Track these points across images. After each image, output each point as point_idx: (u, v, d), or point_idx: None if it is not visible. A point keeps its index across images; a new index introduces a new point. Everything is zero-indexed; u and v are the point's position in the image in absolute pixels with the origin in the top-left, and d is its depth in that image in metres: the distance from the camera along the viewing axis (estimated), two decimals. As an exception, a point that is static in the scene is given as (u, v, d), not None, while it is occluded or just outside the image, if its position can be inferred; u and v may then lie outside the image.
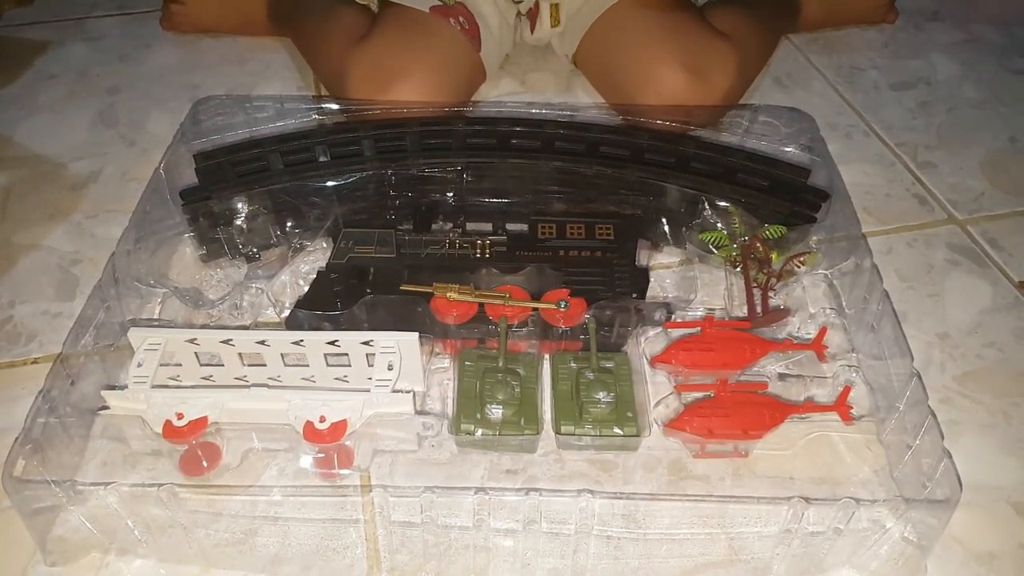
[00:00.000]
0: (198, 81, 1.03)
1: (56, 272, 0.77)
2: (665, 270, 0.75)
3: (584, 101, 0.98)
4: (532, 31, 1.01)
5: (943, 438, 0.55)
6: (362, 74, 0.84)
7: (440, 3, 0.90)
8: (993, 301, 0.75)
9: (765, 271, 0.70)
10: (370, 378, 0.57)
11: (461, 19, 0.90)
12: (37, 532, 0.53)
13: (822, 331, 0.66)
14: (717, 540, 0.54)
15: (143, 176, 0.88)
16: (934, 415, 0.57)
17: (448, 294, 0.64)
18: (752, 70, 0.94)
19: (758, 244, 0.71)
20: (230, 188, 0.72)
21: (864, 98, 1.02)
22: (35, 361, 0.68)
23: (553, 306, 0.64)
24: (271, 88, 1.02)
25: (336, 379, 0.60)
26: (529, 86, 1.02)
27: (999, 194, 0.87)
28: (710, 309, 0.69)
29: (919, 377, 0.59)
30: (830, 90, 1.03)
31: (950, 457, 0.53)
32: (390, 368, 0.57)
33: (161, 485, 0.50)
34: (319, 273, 0.70)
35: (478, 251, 0.71)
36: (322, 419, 0.55)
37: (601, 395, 0.59)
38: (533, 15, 0.99)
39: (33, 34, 1.14)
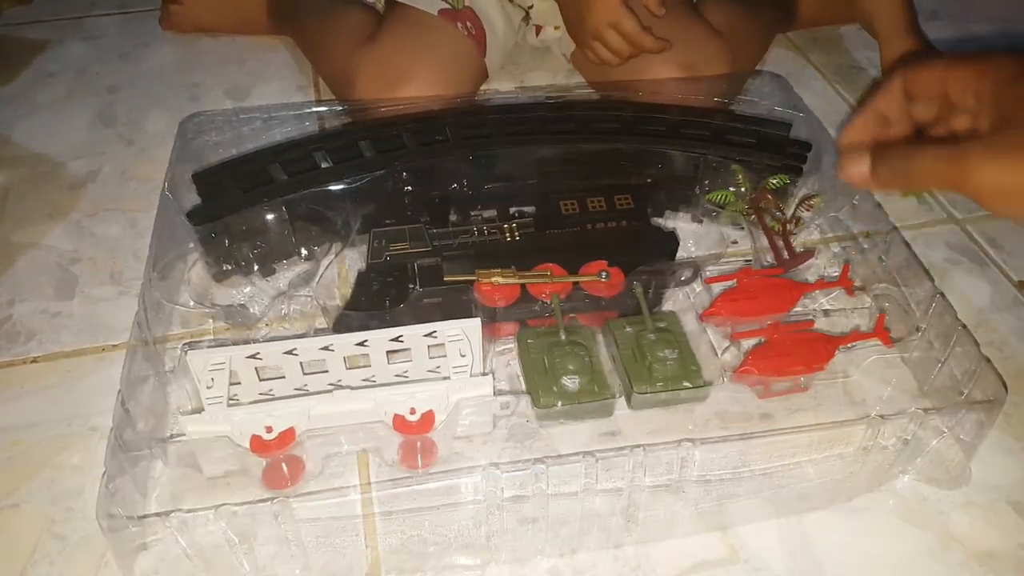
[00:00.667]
0: (197, 80, 1.03)
1: (55, 271, 0.77)
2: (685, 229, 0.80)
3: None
4: (537, 35, 1.01)
5: (979, 345, 0.59)
6: (371, 73, 0.85)
7: (448, 7, 0.91)
8: (992, 301, 0.75)
9: (779, 219, 0.75)
10: (437, 368, 0.59)
11: (468, 24, 0.91)
12: (129, 570, 0.53)
13: (845, 268, 0.71)
14: (803, 467, 0.56)
15: (142, 175, 0.88)
16: (965, 327, 0.60)
17: (492, 279, 0.65)
18: (746, 66, 0.94)
19: (768, 196, 0.75)
20: (236, 203, 0.71)
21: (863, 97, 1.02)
22: (35, 360, 0.68)
23: (595, 278, 0.66)
24: (270, 87, 1.02)
25: (396, 376, 0.60)
26: (529, 82, 1.02)
27: (998, 193, 0.87)
28: (747, 260, 0.75)
29: (942, 295, 0.63)
30: (829, 89, 1.03)
31: (988, 361, 0.58)
32: (462, 355, 0.58)
33: (273, 499, 0.48)
34: (360, 274, 0.70)
35: (507, 235, 0.72)
36: (412, 411, 0.56)
37: (667, 352, 0.62)
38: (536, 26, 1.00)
39: (32, 33, 1.14)
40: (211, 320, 0.70)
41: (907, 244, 0.69)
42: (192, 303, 0.71)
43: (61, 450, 0.61)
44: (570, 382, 0.60)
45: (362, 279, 0.69)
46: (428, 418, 0.56)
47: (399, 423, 0.56)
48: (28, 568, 0.54)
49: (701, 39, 0.87)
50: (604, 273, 0.66)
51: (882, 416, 0.54)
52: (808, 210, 0.76)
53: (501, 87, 1.01)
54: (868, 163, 0.42)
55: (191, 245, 0.71)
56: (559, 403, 0.60)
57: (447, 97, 0.86)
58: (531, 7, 0.97)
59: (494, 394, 0.58)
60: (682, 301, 0.69)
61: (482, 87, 0.97)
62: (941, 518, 0.57)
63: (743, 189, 0.77)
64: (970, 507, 0.58)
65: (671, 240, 0.73)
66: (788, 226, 0.75)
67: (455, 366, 0.58)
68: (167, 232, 0.70)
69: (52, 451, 0.61)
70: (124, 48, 1.11)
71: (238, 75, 1.04)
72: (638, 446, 0.52)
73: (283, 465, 0.56)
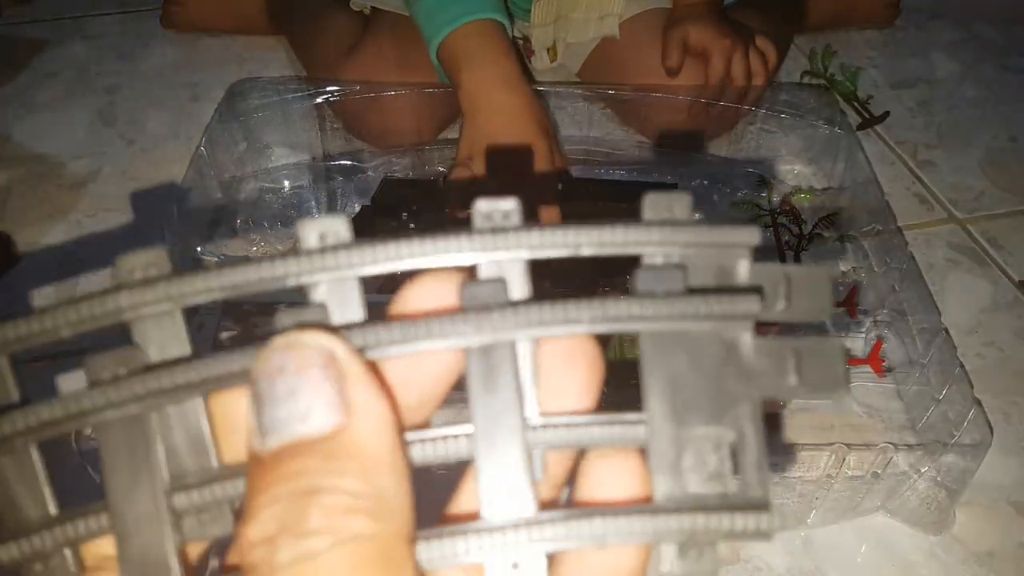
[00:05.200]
0: (197, 80, 1.03)
1: (55, 271, 0.77)
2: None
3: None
4: (530, 60, 0.99)
5: (972, 387, 0.58)
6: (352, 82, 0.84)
7: None
8: (993, 300, 0.75)
9: (796, 234, 0.76)
10: None
11: None
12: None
13: (853, 290, 0.70)
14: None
15: (142, 175, 0.88)
16: (963, 366, 0.59)
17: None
18: (771, 72, 0.94)
19: (789, 205, 0.77)
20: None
21: (864, 97, 1.02)
22: (36, 360, 0.68)
23: None
24: (270, 87, 1.02)
25: None
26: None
27: (999, 193, 0.87)
28: None
29: (947, 332, 0.62)
30: (829, 89, 1.03)
31: (980, 404, 0.56)
32: None
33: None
34: (384, 180, 0.71)
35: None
36: None
37: None
38: (528, 52, 0.98)
39: (32, 32, 1.14)
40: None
41: (921, 276, 0.68)
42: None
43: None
44: None
45: (386, 185, 0.70)
46: None
47: None
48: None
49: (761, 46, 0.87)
50: None
51: (848, 446, 0.52)
52: (828, 228, 0.76)
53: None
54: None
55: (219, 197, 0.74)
56: None
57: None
58: (525, 39, 0.96)
59: None
60: None
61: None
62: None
63: (768, 201, 0.79)
64: (971, 507, 0.58)
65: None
66: (803, 242, 0.75)
67: None
68: (198, 189, 0.72)
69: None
70: (124, 48, 1.10)
71: (238, 75, 1.04)
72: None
73: None
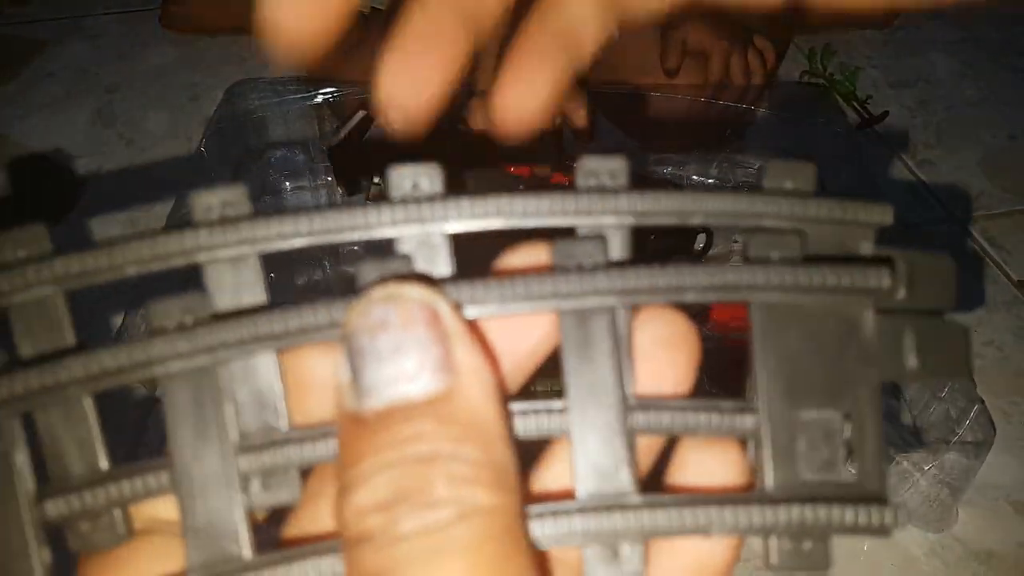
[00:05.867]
0: (197, 80, 1.03)
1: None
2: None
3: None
4: None
5: (976, 386, 0.57)
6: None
7: None
8: (992, 300, 0.75)
9: None
10: None
11: None
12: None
13: None
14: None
15: (142, 175, 0.88)
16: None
17: None
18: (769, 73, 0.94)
19: None
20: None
21: (863, 96, 1.02)
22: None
23: None
24: (270, 87, 1.02)
25: None
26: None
27: (998, 193, 0.87)
28: None
29: None
30: (829, 89, 1.03)
31: (983, 402, 0.55)
32: None
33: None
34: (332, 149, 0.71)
35: None
36: None
37: None
38: None
39: (31, 32, 1.13)
40: None
41: None
42: None
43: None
44: None
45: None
46: None
47: None
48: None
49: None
50: None
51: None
52: None
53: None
54: None
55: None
56: None
57: None
58: None
59: None
60: None
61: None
62: (941, 517, 0.57)
63: None
64: (970, 506, 0.58)
65: None
66: None
67: None
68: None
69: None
70: (124, 48, 1.10)
71: (238, 75, 1.04)
72: None
73: None
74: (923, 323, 0.16)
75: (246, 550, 0.15)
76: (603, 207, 0.16)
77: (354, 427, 0.15)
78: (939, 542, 0.56)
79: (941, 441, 0.56)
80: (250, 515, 0.16)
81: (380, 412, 0.15)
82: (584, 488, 0.16)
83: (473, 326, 0.16)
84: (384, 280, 0.16)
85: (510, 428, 0.16)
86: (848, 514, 0.15)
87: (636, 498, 0.15)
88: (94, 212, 0.78)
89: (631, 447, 0.16)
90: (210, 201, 0.16)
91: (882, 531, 0.15)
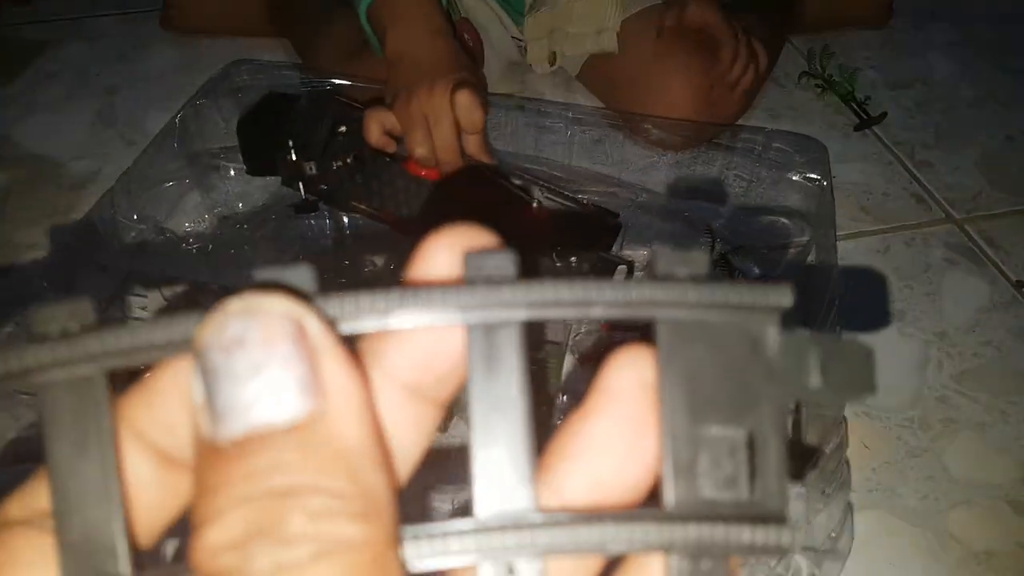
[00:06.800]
0: (197, 81, 1.02)
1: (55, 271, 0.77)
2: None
3: (582, 103, 0.98)
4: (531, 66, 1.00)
5: (849, 492, 0.54)
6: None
7: None
8: (991, 300, 0.75)
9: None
10: None
11: (465, 35, 0.90)
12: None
13: None
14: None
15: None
16: (847, 465, 0.55)
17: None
18: (761, 78, 0.94)
19: (726, 261, 0.74)
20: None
21: (862, 97, 1.02)
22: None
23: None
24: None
25: None
26: (528, 85, 1.02)
27: (996, 193, 0.88)
28: None
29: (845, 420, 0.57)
30: (827, 90, 1.03)
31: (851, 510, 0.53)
32: None
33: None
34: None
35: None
36: None
37: None
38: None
39: (32, 33, 1.14)
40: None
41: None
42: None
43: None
44: None
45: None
46: None
47: None
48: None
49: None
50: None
51: None
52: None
53: (500, 87, 1.01)
54: None
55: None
56: None
57: None
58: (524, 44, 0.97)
59: None
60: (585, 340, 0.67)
61: (490, 89, 0.97)
62: (940, 517, 0.57)
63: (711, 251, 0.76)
64: (968, 506, 0.58)
65: (614, 222, 0.70)
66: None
67: None
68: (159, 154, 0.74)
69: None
70: (124, 48, 1.11)
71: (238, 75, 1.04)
72: None
73: None
74: (828, 342, 0.16)
75: (124, 567, 0.15)
76: (491, 301, 0.15)
77: (208, 456, 0.14)
78: (938, 541, 0.56)
79: (819, 549, 0.53)
80: (131, 532, 0.15)
81: (237, 440, 0.14)
82: (481, 503, 0.15)
83: (345, 342, 0.15)
84: (246, 291, 0.14)
85: (383, 450, 0.15)
86: (746, 533, 0.15)
87: (535, 516, 0.15)
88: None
89: (534, 463, 0.15)
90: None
91: (780, 551, 0.15)
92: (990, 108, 1.01)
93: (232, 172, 0.82)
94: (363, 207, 0.72)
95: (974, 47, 1.13)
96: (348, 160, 0.70)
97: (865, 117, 0.97)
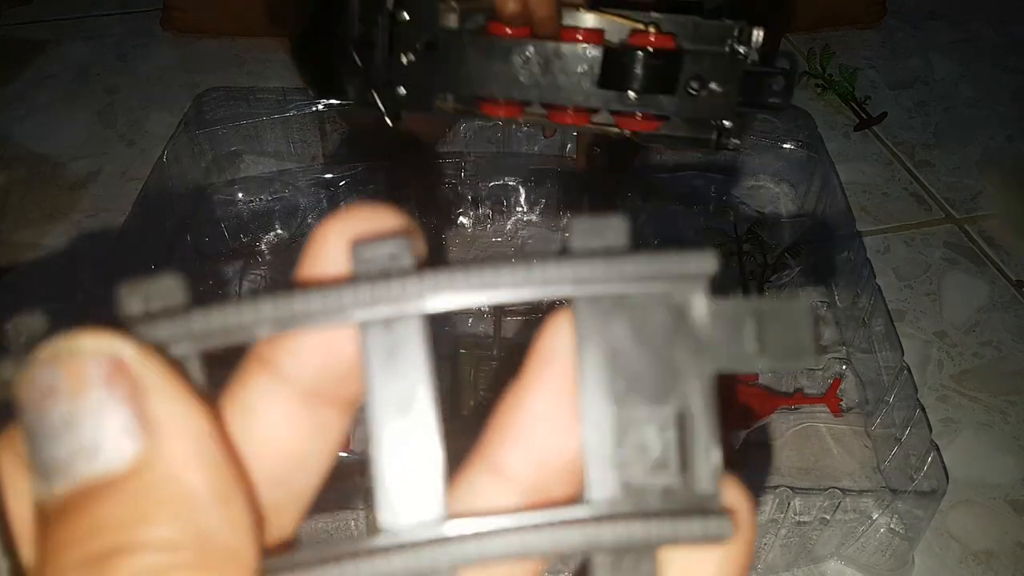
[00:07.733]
0: (197, 81, 1.03)
1: (56, 272, 0.77)
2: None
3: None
4: None
5: (931, 431, 0.55)
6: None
7: None
8: (991, 299, 0.75)
9: (760, 263, 0.72)
10: None
11: None
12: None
13: (835, 383, 0.65)
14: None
15: (142, 175, 0.88)
16: (923, 408, 0.57)
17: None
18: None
19: (754, 233, 0.74)
20: None
21: (861, 97, 1.02)
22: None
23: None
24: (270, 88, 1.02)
25: None
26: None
27: (996, 193, 0.88)
28: None
29: (909, 371, 0.59)
30: (827, 89, 1.03)
31: (938, 450, 0.53)
32: None
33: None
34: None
35: None
36: None
37: None
38: None
39: (32, 33, 1.14)
40: None
41: (887, 309, 0.63)
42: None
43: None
44: None
45: None
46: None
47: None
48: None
49: None
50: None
51: (793, 489, 0.50)
52: (795, 257, 0.73)
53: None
54: None
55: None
56: None
57: None
58: None
59: None
60: None
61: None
62: (940, 517, 0.57)
63: (734, 227, 0.75)
64: (968, 506, 0.58)
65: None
66: (767, 272, 0.72)
67: None
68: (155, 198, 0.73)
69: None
70: (124, 48, 1.11)
71: (238, 75, 1.04)
72: None
73: None
74: (762, 305, 0.15)
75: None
76: (386, 296, 0.14)
77: (42, 520, 0.13)
78: (938, 541, 0.56)
79: (888, 490, 0.55)
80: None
81: (65, 500, 0.12)
82: (385, 515, 0.14)
83: (176, 365, 0.13)
84: (60, 334, 0.13)
85: (233, 479, 0.13)
86: (672, 528, 0.14)
87: (446, 527, 0.14)
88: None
89: (443, 468, 0.14)
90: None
91: (714, 541, 0.14)
92: (990, 108, 1.01)
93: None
94: (449, 104, 0.54)
95: (974, 47, 1.13)
96: (420, 47, 0.53)
97: (865, 117, 0.97)
